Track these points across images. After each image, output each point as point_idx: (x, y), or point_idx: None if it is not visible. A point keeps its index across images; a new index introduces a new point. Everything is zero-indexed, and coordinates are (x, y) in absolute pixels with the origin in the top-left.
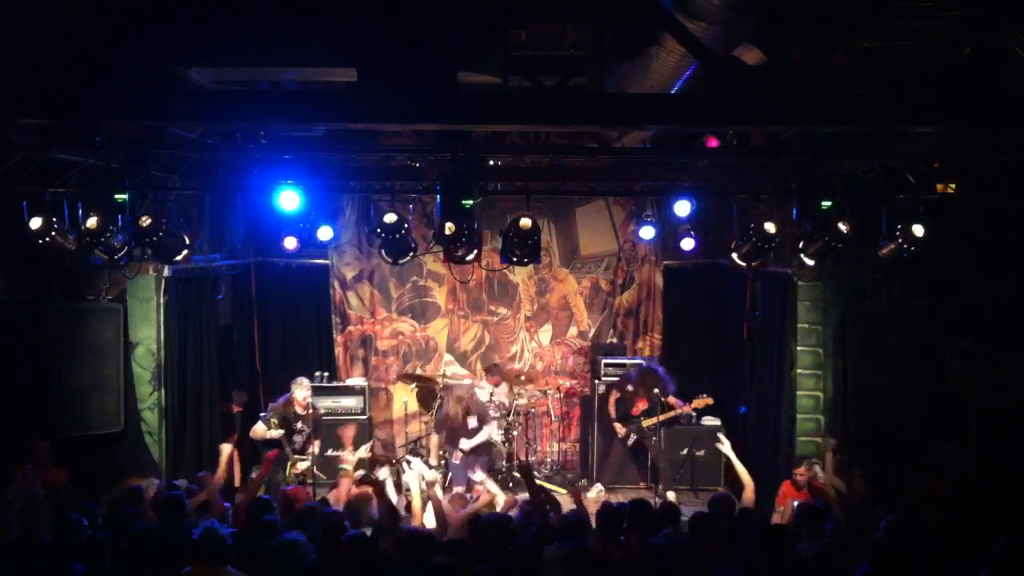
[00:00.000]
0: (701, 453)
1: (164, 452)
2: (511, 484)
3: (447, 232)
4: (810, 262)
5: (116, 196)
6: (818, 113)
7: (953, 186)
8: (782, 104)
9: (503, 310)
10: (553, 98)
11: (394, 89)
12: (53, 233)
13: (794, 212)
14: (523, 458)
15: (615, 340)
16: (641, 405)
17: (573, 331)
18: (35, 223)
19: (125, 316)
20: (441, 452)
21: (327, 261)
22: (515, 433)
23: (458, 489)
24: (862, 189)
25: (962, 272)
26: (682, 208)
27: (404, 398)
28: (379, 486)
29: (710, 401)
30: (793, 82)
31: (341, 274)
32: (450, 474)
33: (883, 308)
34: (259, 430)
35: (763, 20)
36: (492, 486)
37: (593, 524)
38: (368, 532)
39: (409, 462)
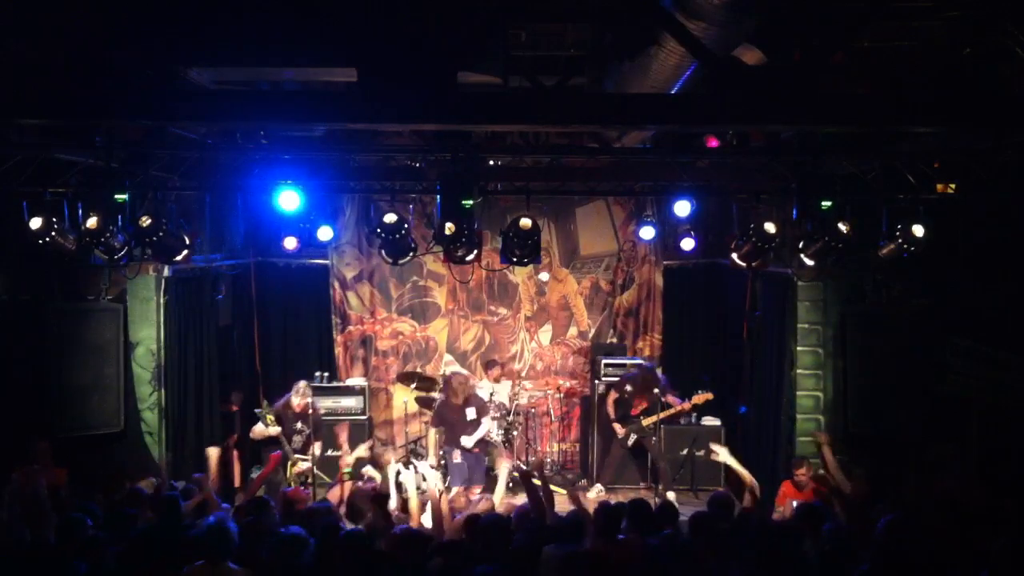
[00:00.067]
0: (701, 453)
1: (164, 452)
2: (511, 484)
3: (447, 232)
4: (810, 262)
5: (116, 196)
6: (818, 113)
7: (953, 186)
8: (782, 104)
9: (503, 310)
10: (553, 98)
11: (394, 89)
12: (53, 233)
13: (794, 212)
14: (523, 459)
15: (615, 340)
16: (640, 405)
17: (573, 331)
18: (35, 223)
19: (125, 316)
20: (440, 452)
21: (327, 261)
22: (515, 433)
23: (457, 489)
24: (862, 189)
25: (962, 272)
26: (682, 208)
27: (404, 398)
28: (380, 494)
29: (710, 396)
30: (793, 82)
31: (341, 274)
32: (448, 476)
33: (883, 308)
34: (258, 429)
35: (763, 20)
36: (501, 486)
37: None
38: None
39: (415, 466)
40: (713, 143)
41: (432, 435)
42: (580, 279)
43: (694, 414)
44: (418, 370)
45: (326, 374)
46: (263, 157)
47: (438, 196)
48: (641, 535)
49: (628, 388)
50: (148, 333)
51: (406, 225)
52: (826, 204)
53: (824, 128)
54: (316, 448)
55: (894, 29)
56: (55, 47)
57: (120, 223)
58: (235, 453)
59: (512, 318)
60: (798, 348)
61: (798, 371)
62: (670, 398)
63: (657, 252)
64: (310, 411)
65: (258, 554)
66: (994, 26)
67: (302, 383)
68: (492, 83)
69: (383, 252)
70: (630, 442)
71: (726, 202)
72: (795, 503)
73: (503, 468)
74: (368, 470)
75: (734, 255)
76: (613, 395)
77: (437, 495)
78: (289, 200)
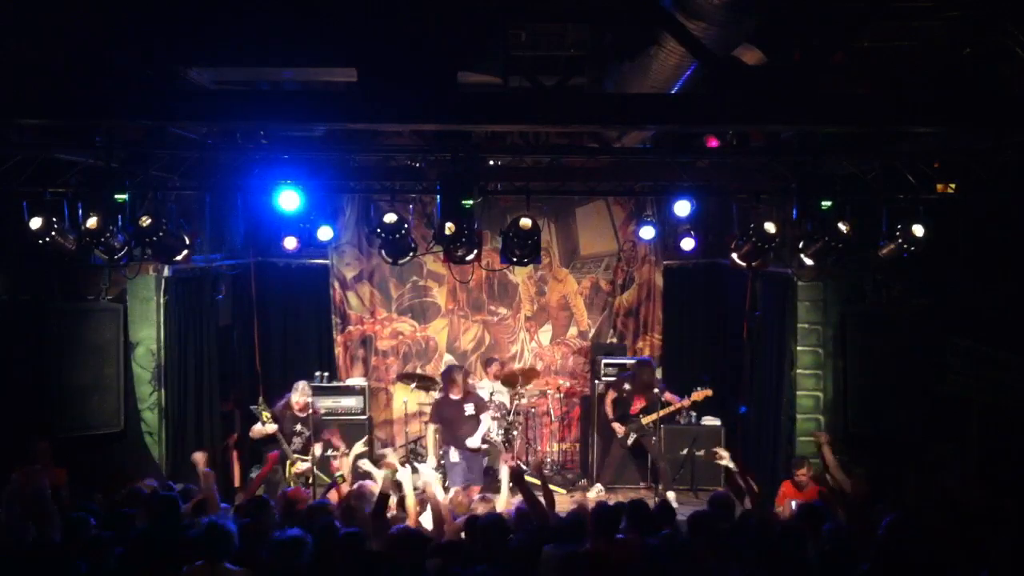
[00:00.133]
0: (701, 453)
1: (164, 452)
2: (511, 484)
3: (447, 232)
4: (810, 262)
5: (116, 196)
6: (818, 113)
7: (953, 186)
8: (782, 104)
9: (503, 310)
10: (553, 98)
11: (394, 89)
12: (53, 233)
13: (794, 212)
14: (524, 459)
15: (615, 340)
16: (639, 403)
17: (573, 331)
18: (35, 223)
19: (125, 316)
20: (440, 452)
21: (327, 261)
22: (515, 433)
23: (456, 489)
24: (862, 189)
25: (962, 272)
26: (682, 208)
27: (404, 398)
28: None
29: (709, 392)
30: (793, 82)
31: (341, 274)
32: (447, 476)
33: (883, 308)
34: (257, 428)
35: (763, 20)
36: (504, 488)
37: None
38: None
39: (414, 467)
40: (713, 143)
41: (431, 434)
42: (580, 279)
43: (694, 413)
44: (418, 370)
45: (326, 374)
46: (263, 157)
47: (438, 196)
48: (640, 535)
49: (626, 387)
50: (148, 333)
51: (406, 225)
52: (826, 204)
53: (824, 128)
54: (316, 449)
55: (894, 29)
56: (55, 47)
57: (120, 223)
58: (234, 453)
59: (512, 318)
60: (798, 348)
61: (798, 371)
62: (668, 396)
63: (657, 252)
64: (310, 411)
65: (257, 554)
66: (994, 26)
67: (302, 383)
68: (492, 83)
69: (383, 252)
70: (630, 442)
71: (726, 202)
72: (795, 503)
73: (503, 472)
74: (365, 464)
75: (734, 255)
76: (611, 394)
77: (435, 495)
78: (289, 200)
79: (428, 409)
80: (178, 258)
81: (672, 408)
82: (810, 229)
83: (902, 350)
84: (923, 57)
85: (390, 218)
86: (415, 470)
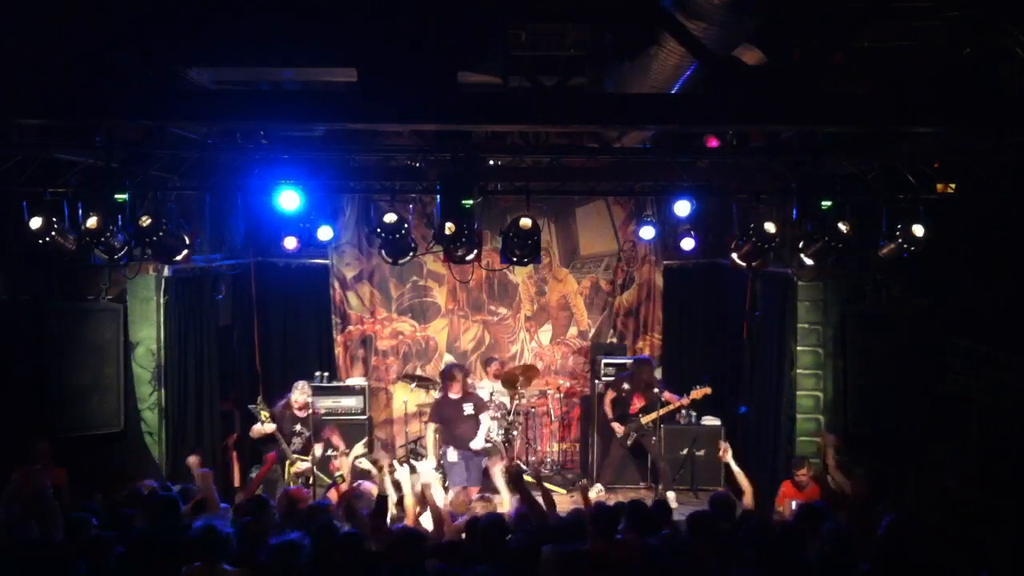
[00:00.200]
0: (701, 453)
1: (164, 452)
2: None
3: (447, 232)
4: (810, 262)
5: (116, 196)
6: (818, 113)
7: (953, 186)
8: (782, 104)
9: (503, 310)
10: (553, 98)
11: (394, 89)
12: (53, 233)
13: (794, 212)
14: (523, 459)
15: (615, 340)
16: (638, 403)
17: (573, 331)
18: (35, 223)
19: (125, 316)
20: (439, 452)
21: (327, 261)
22: (515, 433)
23: (455, 489)
24: (862, 189)
25: (962, 272)
26: (682, 208)
27: (404, 398)
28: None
29: (708, 390)
30: (793, 82)
31: (341, 274)
32: (446, 476)
33: (883, 308)
34: (257, 428)
35: (763, 20)
36: (503, 490)
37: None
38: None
39: (413, 467)
40: (713, 143)
41: (431, 434)
42: (580, 279)
43: (694, 413)
44: (418, 370)
45: (326, 374)
46: (263, 157)
47: (438, 196)
48: (639, 535)
49: (625, 386)
50: (148, 333)
51: (406, 225)
52: (826, 204)
53: (824, 128)
54: (317, 449)
55: (894, 29)
56: (55, 47)
57: (120, 223)
58: (234, 453)
59: (512, 318)
60: (798, 348)
61: (798, 371)
62: (668, 395)
63: (657, 252)
64: (310, 411)
65: (256, 554)
66: (994, 26)
67: (302, 383)
68: (492, 83)
69: (383, 252)
70: (629, 442)
71: (726, 202)
72: (795, 503)
73: (496, 473)
74: (363, 463)
75: (734, 255)
76: (610, 395)
77: (436, 497)
78: (289, 200)
79: (428, 409)
80: (178, 258)
81: (671, 407)
82: (810, 229)
83: (902, 350)
84: (923, 57)
85: (390, 218)
86: (413, 470)
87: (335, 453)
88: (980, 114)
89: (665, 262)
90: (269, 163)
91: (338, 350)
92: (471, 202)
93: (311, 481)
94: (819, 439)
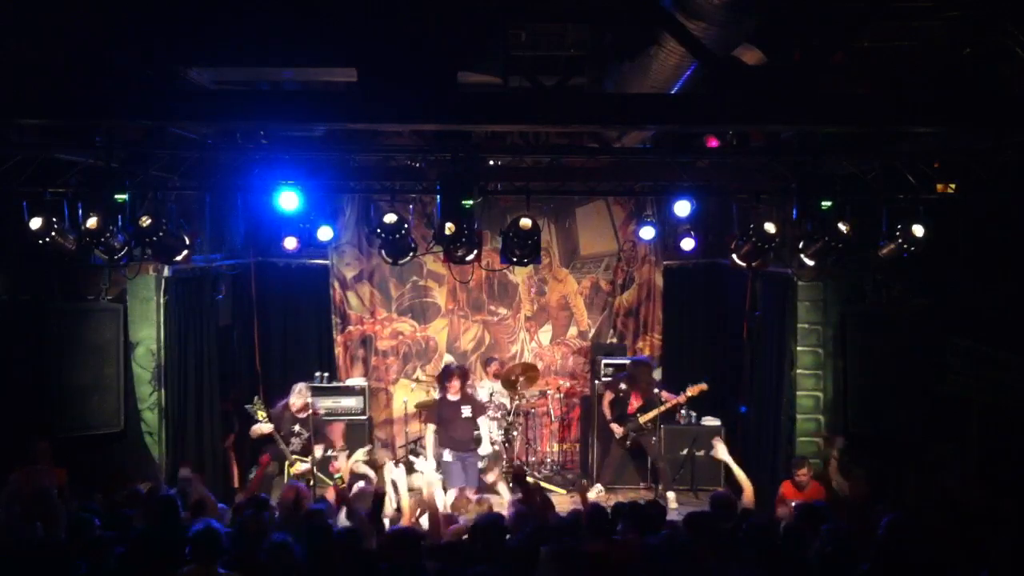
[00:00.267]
0: (701, 453)
1: (164, 452)
2: (511, 485)
3: (447, 232)
4: (810, 262)
5: (116, 196)
6: (818, 113)
7: (953, 186)
8: (782, 104)
9: (503, 310)
10: (553, 98)
11: (394, 89)
12: (53, 233)
13: (794, 212)
14: (523, 459)
15: (615, 340)
16: (636, 403)
17: (573, 331)
18: (35, 223)
19: (125, 316)
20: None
21: (327, 261)
22: (515, 434)
23: (454, 491)
24: (862, 189)
25: (962, 272)
26: (682, 208)
27: (404, 398)
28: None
29: (704, 387)
30: (793, 82)
31: (341, 274)
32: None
33: (883, 308)
34: (256, 429)
35: (763, 20)
36: (503, 491)
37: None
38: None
39: (411, 464)
40: (713, 143)
41: (430, 434)
42: (580, 279)
43: (694, 413)
44: (418, 370)
45: (326, 374)
46: (263, 157)
47: (438, 196)
48: (639, 535)
49: (623, 386)
50: (148, 333)
51: (406, 225)
52: (826, 204)
53: (824, 128)
54: (317, 450)
55: (894, 29)
56: (55, 47)
57: (120, 223)
58: (233, 454)
59: (512, 318)
60: (798, 348)
61: (798, 371)
62: (665, 394)
63: (657, 252)
64: (310, 412)
65: (255, 554)
66: (994, 26)
67: (300, 385)
68: (492, 83)
69: (383, 252)
70: (628, 442)
71: (726, 202)
72: (795, 503)
73: (490, 479)
74: (362, 467)
75: (734, 255)
76: (609, 396)
77: (435, 498)
78: (289, 200)
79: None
80: (178, 258)
81: (668, 405)
82: (810, 229)
83: (902, 350)
84: (923, 57)
85: (390, 218)
86: (412, 469)
87: (335, 454)
88: (980, 114)
89: (665, 262)
90: (269, 163)
91: (338, 350)
92: (471, 202)
93: (311, 483)
94: (820, 439)
